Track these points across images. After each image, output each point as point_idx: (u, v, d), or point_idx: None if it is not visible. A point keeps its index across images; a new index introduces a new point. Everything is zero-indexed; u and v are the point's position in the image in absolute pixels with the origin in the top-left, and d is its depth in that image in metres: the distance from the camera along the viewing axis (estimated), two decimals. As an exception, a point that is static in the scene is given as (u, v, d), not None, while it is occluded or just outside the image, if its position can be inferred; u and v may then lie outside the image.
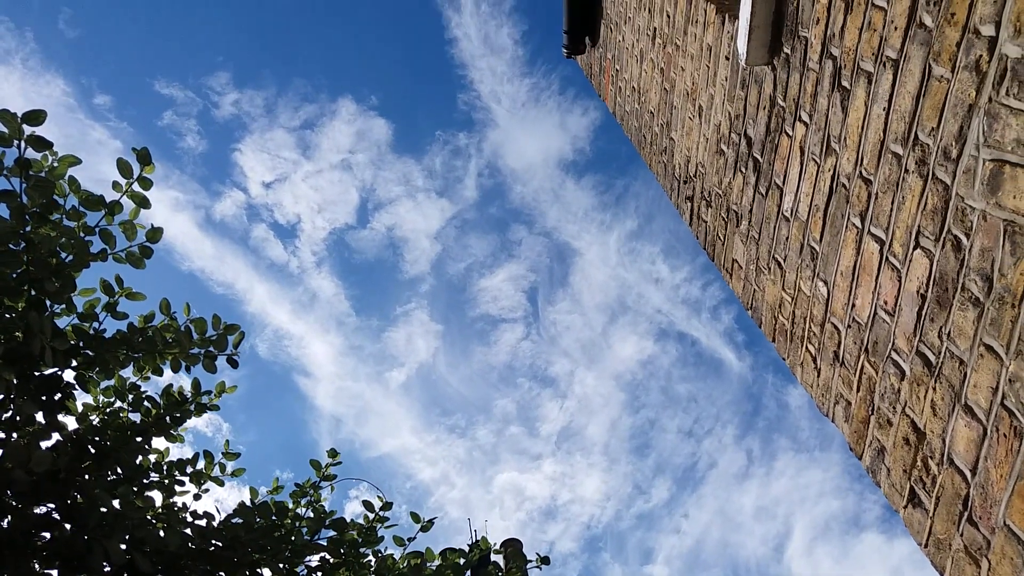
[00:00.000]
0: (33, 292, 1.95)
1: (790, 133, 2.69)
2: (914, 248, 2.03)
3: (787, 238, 2.74)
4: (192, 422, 2.43)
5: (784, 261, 2.78)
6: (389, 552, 2.70)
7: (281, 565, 2.27)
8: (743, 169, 3.08)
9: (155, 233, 2.28)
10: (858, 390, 2.37)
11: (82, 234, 2.09)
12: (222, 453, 2.71)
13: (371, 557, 2.64)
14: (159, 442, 2.56)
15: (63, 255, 2.02)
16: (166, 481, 2.51)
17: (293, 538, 2.32)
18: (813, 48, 2.48)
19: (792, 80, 2.65)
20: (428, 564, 2.66)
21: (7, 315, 1.93)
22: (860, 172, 2.26)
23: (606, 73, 5.15)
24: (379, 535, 2.65)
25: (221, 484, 2.72)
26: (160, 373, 2.42)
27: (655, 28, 4.08)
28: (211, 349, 2.32)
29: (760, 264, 2.98)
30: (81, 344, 2.13)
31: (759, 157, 2.93)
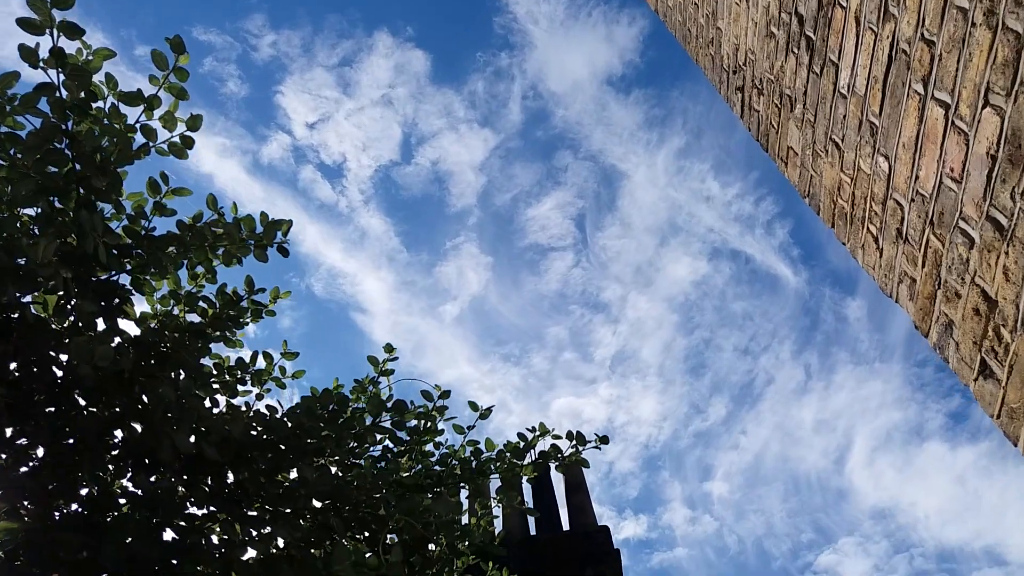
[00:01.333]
0: (82, 191, 1.97)
1: (844, 4, 2.54)
2: (983, 107, 1.92)
3: (844, 116, 2.63)
4: (251, 332, 2.48)
5: (842, 141, 2.67)
6: (450, 444, 2.75)
7: (345, 452, 2.32)
8: (795, 50, 2.94)
9: (195, 121, 2.25)
10: (923, 265, 2.29)
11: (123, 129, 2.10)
12: (280, 354, 2.75)
13: (432, 447, 2.70)
14: (219, 348, 2.62)
15: (107, 152, 2.03)
16: (228, 380, 2.57)
17: (355, 424, 2.36)
18: (868, -94, 2.33)
19: (845, -55, 2.49)
20: (487, 453, 2.70)
21: (60, 218, 1.96)
22: (922, 34, 2.14)
23: (646, -31, 4.94)
24: (439, 427, 2.69)
25: (283, 386, 2.78)
26: (214, 278, 2.45)
27: (696, -87, 3.88)
28: (261, 240, 2.34)
29: (817, 148, 2.88)
30: (133, 244, 2.16)
31: (811, 35, 2.79)
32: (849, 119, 2.60)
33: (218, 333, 2.45)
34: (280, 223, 2.33)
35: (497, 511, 2.76)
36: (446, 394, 2.69)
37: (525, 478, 2.77)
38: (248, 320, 2.54)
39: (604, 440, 2.79)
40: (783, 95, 3.10)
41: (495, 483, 2.82)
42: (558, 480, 13.94)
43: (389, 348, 2.77)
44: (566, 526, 12.76)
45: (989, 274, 1.99)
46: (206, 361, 2.44)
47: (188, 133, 2.24)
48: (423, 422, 2.65)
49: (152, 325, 2.33)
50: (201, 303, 2.47)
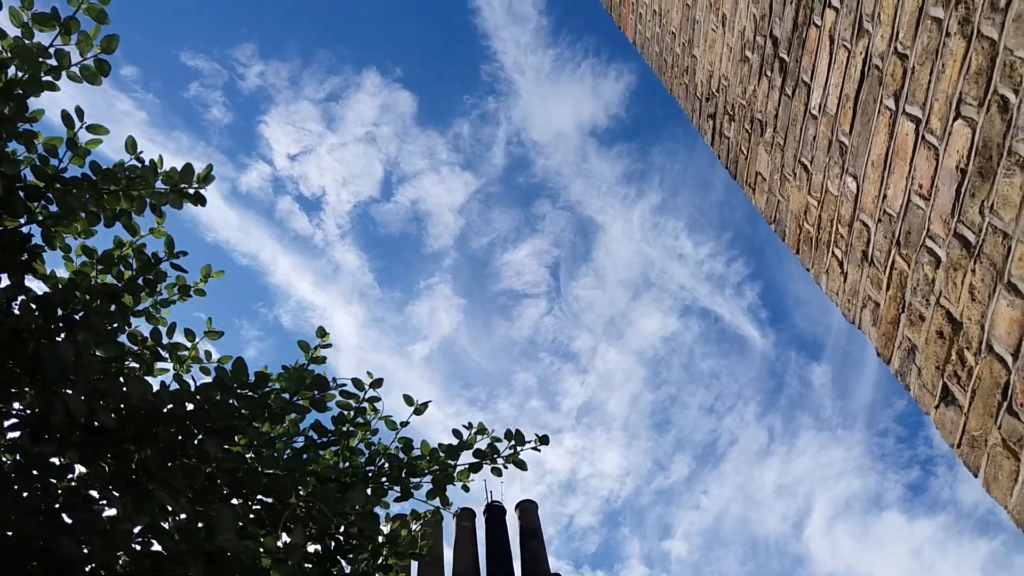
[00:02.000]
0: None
1: (818, 23, 2.50)
2: (954, 119, 1.85)
3: (814, 137, 2.57)
4: (177, 313, 2.31)
5: (811, 163, 2.61)
6: (383, 443, 2.57)
7: (260, 435, 2.14)
8: (768, 72, 2.90)
9: (110, 41, 2.08)
10: (888, 288, 2.21)
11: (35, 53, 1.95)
12: (204, 332, 2.57)
13: (363, 447, 2.52)
14: (141, 324, 2.45)
15: (14, 72, 1.89)
16: (145, 355, 2.39)
17: (271, 402, 2.18)
18: (846, -77, 2.30)
19: (822, -36, 2.46)
20: (419, 452, 2.52)
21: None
22: (895, 47, 2.08)
23: (626, 2, 4.95)
24: (371, 424, 2.52)
25: (206, 372, 2.59)
26: (135, 231, 2.28)
27: (678, -57, 3.88)
28: (182, 186, 2.17)
29: (785, 172, 2.81)
30: (44, 187, 2.00)
31: (785, 56, 2.75)
32: (819, 140, 2.54)
33: (132, 299, 2.28)
34: (195, 170, 2.18)
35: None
36: (378, 382, 2.52)
37: (460, 484, 2.60)
38: (167, 289, 2.37)
39: (544, 440, 2.63)
40: (754, 120, 3.05)
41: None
42: (513, 526, 13.66)
43: (322, 332, 2.58)
44: (518, 572, 12.47)
45: (955, 294, 1.91)
46: (123, 339, 2.27)
47: (103, 56, 2.07)
48: (351, 413, 2.48)
49: (59, 286, 2.16)
50: (120, 266, 2.30)
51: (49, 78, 2.00)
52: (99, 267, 2.28)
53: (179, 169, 2.17)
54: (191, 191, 2.21)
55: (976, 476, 1.92)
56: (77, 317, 1.98)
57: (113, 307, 2.14)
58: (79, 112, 2.11)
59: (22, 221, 1.98)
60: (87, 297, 2.08)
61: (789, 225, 2.82)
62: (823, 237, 2.57)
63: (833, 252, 2.51)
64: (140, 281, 2.31)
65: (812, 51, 2.55)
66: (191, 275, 2.47)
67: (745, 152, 3.18)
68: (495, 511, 13.50)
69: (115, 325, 2.12)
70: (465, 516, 12.91)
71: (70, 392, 1.78)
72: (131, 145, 2.14)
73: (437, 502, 2.47)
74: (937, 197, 1.94)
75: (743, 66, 3.13)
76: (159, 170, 2.17)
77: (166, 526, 1.83)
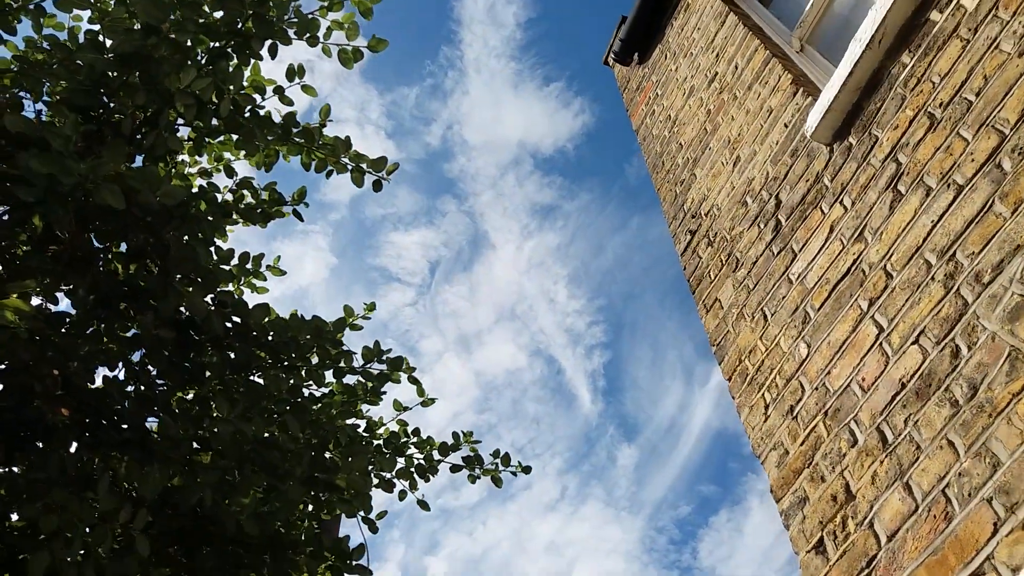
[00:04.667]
0: (233, 43, 1.94)
1: (825, 211, 2.96)
2: (912, 343, 2.31)
3: (784, 297, 3.01)
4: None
5: (772, 315, 3.05)
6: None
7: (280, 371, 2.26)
8: (761, 225, 3.34)
9: (379, 43, 2.22)
10: (801, 444, 2.65)
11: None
12: (267, 267, 2.68)
13: (359, 420, 2.68)
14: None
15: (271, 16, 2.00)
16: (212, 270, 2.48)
17: (298, 346, 2.27)
18: (881, 148, 2.76)
19: (847, 167, 2.92)
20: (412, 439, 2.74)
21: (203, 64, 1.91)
22: (885, 265, 2.54)
23: (644, 93, 5.37)
24: (381, 393, 2.69)
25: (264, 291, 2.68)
26: (270, 166, 2.40)
27: (716, 73, 4.32)
28: (362, 165, 2.34)
29: (745, 311, 3.25)
30: (232, 108, 2.11)
31: (783, 220, 3.20)
32: (787, 301, 2.98)
33: (237, 219, 2.40)
34: (387, 161, 2.35)
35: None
36: (399, 361, 2.68)
37: (428, 479, 2.80)
38: (275, 216, 2.47)
39: (526, 470, 2.92)
40: (732, 255, 3.49)
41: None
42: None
43: (371, 307, 2.76)
44: None
45: (859, 473, 2.35)
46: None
47: (364, 48, 2.24)
48: (369, 379, 2.65)
49: (194, 186, 2.27)
50: (245, 191, 2.42)
51: (309, 33, 2.13)
52: (232, 189, 2.39)
53: (369, 156, 2.34)
54: (374, 177, 2.38)
55: (819, 616, 2.36)
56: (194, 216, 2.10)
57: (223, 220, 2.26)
58: (300, 69, 2.24)
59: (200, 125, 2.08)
60: (208, 208, 2.19)
61: (731, 355, 3.25)
62: (759, 379, 3.00)
63: (763, 394, 2.95)
64: (259, 211, 2.43)
65: (810, 229, 3.00)
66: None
67: (712, 277, 3.61)
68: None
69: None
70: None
71: (191, 289, 1.91)
72: (324, 112, 2.29)
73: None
74: (874, 394, 2.39)
75: (740, 208, 3.57)
76: (350, 148, 2.34)
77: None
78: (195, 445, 2.00)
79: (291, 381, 2.19)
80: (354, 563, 2.30)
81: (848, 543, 2.31)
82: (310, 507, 2.66)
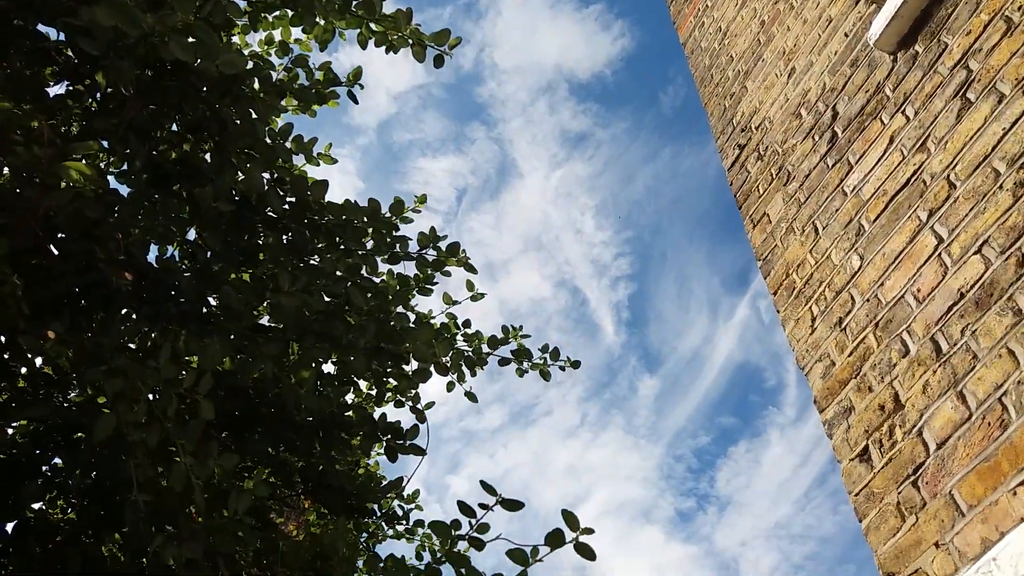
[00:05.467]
0: None
1: (885, 121, 2.87)
2: (974, 253, 2.26)
3: (837, 210, 2.95)
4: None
5: (823, 229, 2.99)
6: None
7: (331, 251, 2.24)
8: (816, 137, 3.25)
9: (447, 37, 2.25)
10: (849, 355, 2.63)
11: None
12: (318, 154, 2.66)
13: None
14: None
15: None
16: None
17: (353, 233, 2.27)
18: (951, 55, 2.65)
19: (911, 76, 2.81)
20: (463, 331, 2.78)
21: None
22: (948, 175, 2.47)
23: (693, 4, 5.19)
24: (433, 282, 2.67)
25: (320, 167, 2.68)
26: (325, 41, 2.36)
27: (773, -19, 4.15)
28: (428, 44, 2.29)
29: (795, 225, 3.19)
30: None
31: (839, 131, 3.11)
32: (840, 214, 2.92)
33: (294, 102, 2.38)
34: (445, 34, 2.30)
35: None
36: (454, 248, 2.63)
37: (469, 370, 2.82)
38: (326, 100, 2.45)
39: (575, 364, 2.96)
40: (783, 168, 3.41)
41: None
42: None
43: (423, 199, 2.73)
44: None
45: (909, 383, 2.34)
46: None
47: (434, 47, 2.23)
48: (425, 270, 2.64)
49: (249, 65, 2.23)
50: (299, 70, 2.39)
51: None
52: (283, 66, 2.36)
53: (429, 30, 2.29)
54: (435, 52, 2.32)
55: (860, 521, 2.38)
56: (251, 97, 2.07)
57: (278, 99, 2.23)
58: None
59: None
60: (261, 86, 2.16)
61: (778, 268, 3.21)
62: (806, 292, 2.97)
63: (811, 307, 2.92)
64: (313, 92, 2.40)
65: (868, 140, 2.91)
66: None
67: (761, 192, 3.54)
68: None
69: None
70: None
71: (248, 165, 1.90)
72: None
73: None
74: (930, 304, 2.36)
75: (794, 120, 3.48)
76: (411, 21, 2.28)
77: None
78: (256, 321, 2.03)
79: (350, 260, 2.19)
80: (408, 443, 2.35)
81: (895, 451, 2.31)
82: (372, 391, 2.70)
